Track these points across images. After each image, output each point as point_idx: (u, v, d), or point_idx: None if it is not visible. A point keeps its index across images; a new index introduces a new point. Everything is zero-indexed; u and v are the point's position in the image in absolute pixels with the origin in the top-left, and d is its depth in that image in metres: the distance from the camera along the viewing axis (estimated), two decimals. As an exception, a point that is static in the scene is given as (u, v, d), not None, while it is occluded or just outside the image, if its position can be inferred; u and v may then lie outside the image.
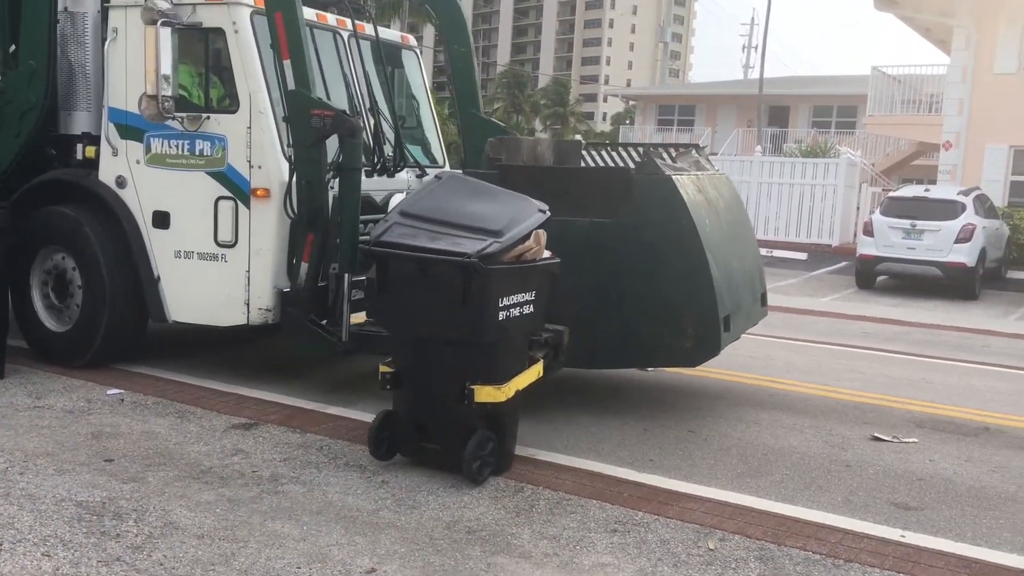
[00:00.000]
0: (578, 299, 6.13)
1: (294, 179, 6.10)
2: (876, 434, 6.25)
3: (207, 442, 5.41)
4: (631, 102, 46.35)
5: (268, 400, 6.32)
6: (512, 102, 71.89)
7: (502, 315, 4.70)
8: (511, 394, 4.89)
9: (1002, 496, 5.20)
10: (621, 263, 6.06)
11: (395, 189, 7.06)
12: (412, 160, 7.35)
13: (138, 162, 6.58)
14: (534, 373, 5.20)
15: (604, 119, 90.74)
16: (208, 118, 6.33)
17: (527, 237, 4.90)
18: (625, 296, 6.07)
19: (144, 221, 6.59)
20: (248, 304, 6.30)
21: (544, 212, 5.10)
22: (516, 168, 6.50)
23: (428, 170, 7.51)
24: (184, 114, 6.31)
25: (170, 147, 6.47)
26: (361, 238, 6.05)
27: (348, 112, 6.34)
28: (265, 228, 6.23)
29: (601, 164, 7.89)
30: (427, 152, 7.96)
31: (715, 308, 5.98)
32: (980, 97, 19.03)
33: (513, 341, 4.95)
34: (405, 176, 7.29)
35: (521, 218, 4.97)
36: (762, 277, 7.31)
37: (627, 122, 42.21)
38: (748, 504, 4.85)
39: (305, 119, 5.96)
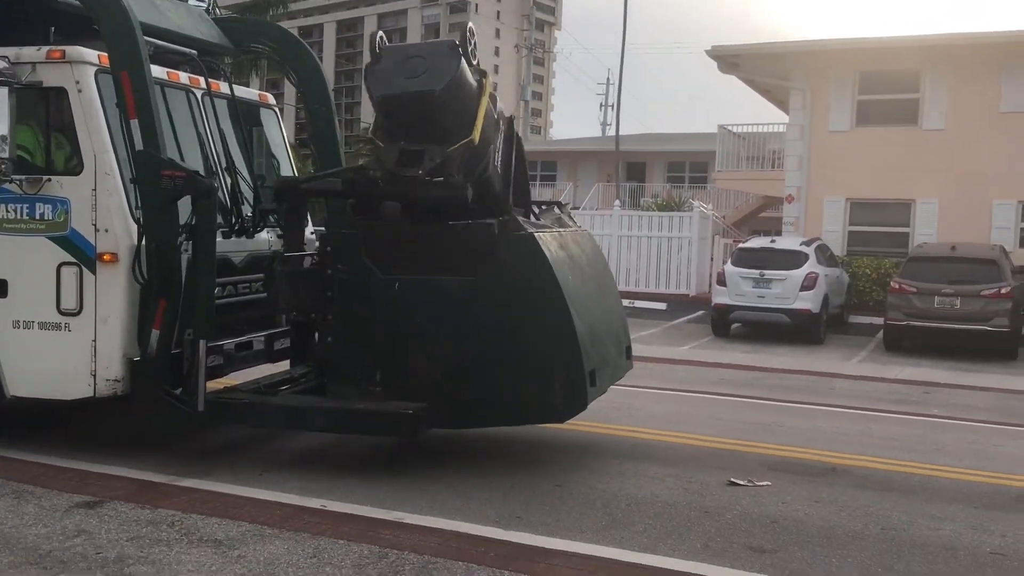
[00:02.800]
0: (444, 358, 6.11)
1: (143, 243, 5.88)
2: (732, 479, 6.45)
3: (47, 524, 5.07)
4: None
5: (115, 475, 5.99)
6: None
7: None
8: None
9: (849, 534, 5.44)
10: (486, 321, 6.08)
11: (254, 249, 6.91)
12: (273, 220, 7.21)
13: None
14: None
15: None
16: (49, 180, 6.04)
17: None
18: (491, 354, 6.09)
19: None
20: (95, 375, 5.98)
21: None
22: (380, 226, 6.47)
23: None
24: (23, 176, 6.00)
25: (7, 211, 6.13)
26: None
27: (202, 172, 6.18)
28: (113, 294, 5.95)
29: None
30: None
31: (580, 363, 6.05)
32: (817, 153, 20.31)
33: None
34: (266, 236, 7.15)
35: None
36: (626, 330, 7.49)
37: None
38: (612, 556, 4.90)
39: (155, 180, 5.78)
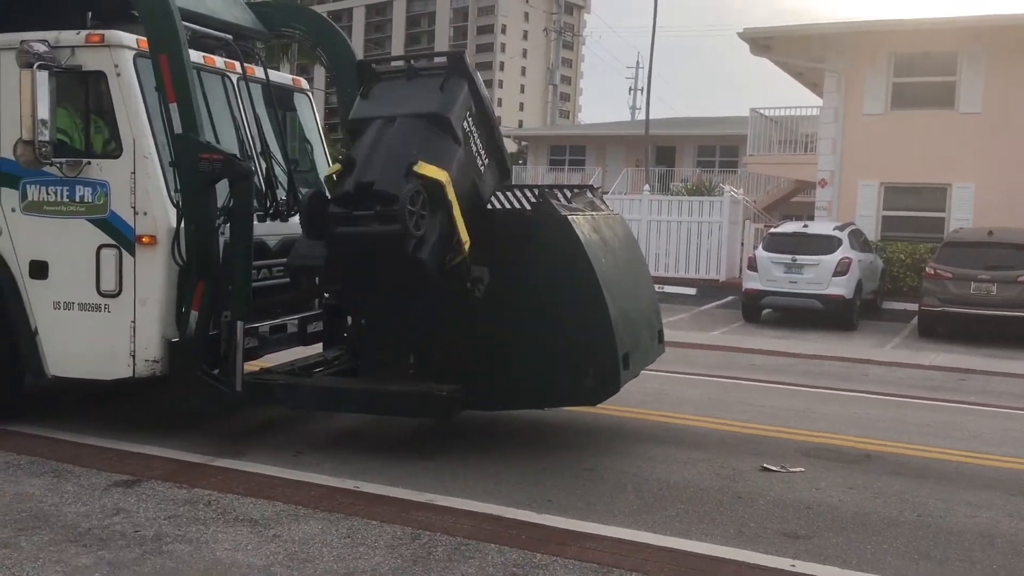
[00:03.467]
0: (478, 340, 6.11)
1: (182, 225, 5.91)
2: (765, 465, 6.41)
3: (85, 502, 5.15)
4: (523, 143, 47.02)
5: (152, 455, 6.07)
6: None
7: None
8: None
9: (885, 521, 5.39)
10: (520, 304, 6.06)
11: (288, 233, 6.93)
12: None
13: (13, 210, 6.29)
14: None
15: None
16: (89, 163, 6.10)
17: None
18: (525, 337, 6.08)
19: (20, 271, 6.28)
20: (134, 356, 6.04)
21: None
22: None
23: None
24: (63, 160, 6.06)
25: (48, 194, 6.20)
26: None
27: (239, 156, 6.21)
28: (151, 276, 6.00)
29: (497, 206, 7.92)
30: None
31: (614, 347, 6.03)
32: (851, 137, 20.05)
33: None
34: (298, 220, 7.17)
35: None
36: (658, 314, 7.45)
37: (520, 162, 42.79)
38: (645, 540, 4.89)
39: (193, 164, 5.80)
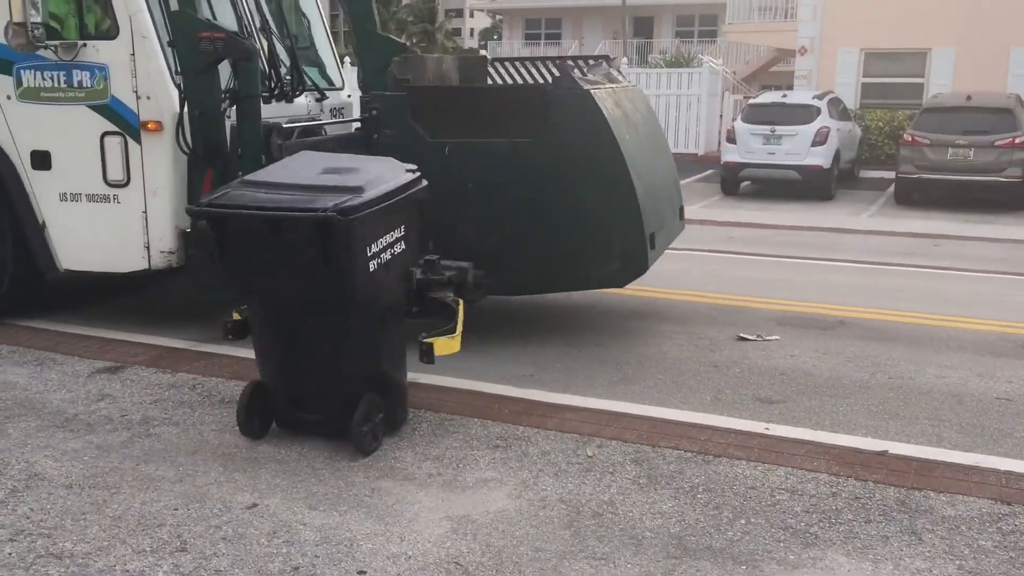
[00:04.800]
0: (498, 224, 5.92)
1: (186, 110, 5.66)
2: (742, 334, 6.53)
3: (70, 389, 5.19)
4: (498, 17, 45.72)
5: (134, 342, 6.09)
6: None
7: (372, 265, 4.17)
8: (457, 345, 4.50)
9: (856, 384, 5.54)
10: (542, 184, 5.85)
11: (294, 115, 6.70)
12: (310, 83, 6.98)
13: (8, 97, 6.05)
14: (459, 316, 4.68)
15: (472, 35, 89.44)
16: (85, 45, 5.83)
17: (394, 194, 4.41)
18: (547, 219, 5.89)
19: (22, 162, 6.10)
20: (148, 247, 5.91)
21: (413, 172, 4.62)
22: (426, 89, 6.21)
23: (327, 92, 7.15)
24: (57, 42, 5.80)
25: (44, 79, 5.95)
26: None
27: (240, 33, 5.95)
28: (160, 165, 5.81)
29: (510, 81, 7.58)
30: (323, 74, 7.47)
31: (641, 226, 5.88)
32: (832, 2, 19.60)
33: (389, 287, 4.39)
34: (303, 101, 6.94)
35: (387, 177, 4.47)
36: (679, 190, 7.27)
37: (495, 37, 41.68)
38: (624, 410, 5.01)
39: (193, 43, 5.48)
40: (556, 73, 6.76)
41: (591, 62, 7.02)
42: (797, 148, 15.03)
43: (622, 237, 5.91)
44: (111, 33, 5.82)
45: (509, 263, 5.84)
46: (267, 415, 4.53)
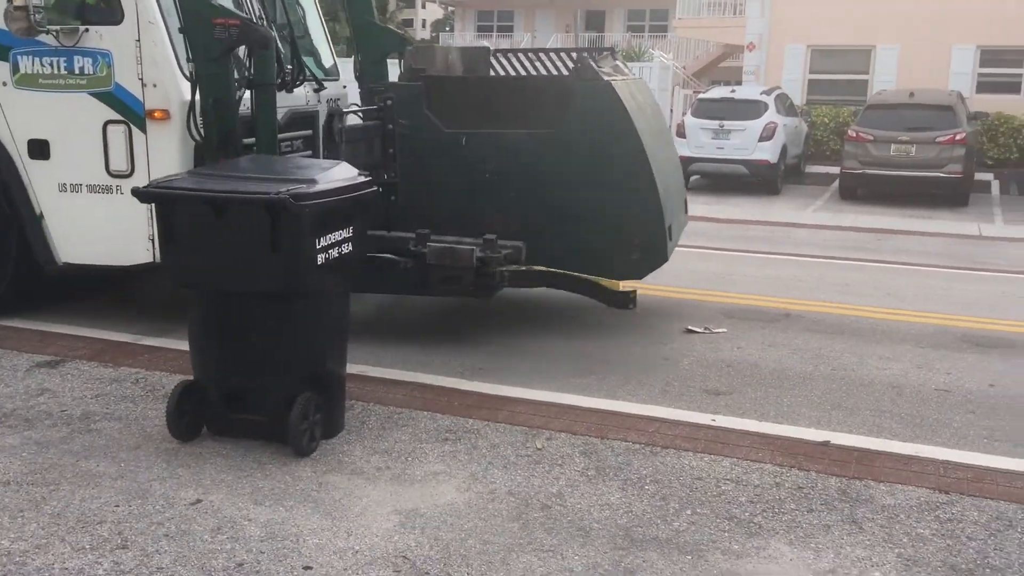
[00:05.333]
0: (515, 215, 5.87)
1: (196, 97, 5.41)
2: (690, 327, 6.59)
3: (8, 383, 5.06)
4: (450, 8, 45.52)
5: (75, 335, 5.95)
6: (327, 9, 68.93)
7: (321, 258, 4.10)
8: None
9: (801, 375, 5.63)
10: (561, 175, 5.80)
11: (293, 105, 6.54)
12: (310, 73, 6.87)
13: (4, 84, 5.83)
14: None
15: (424, 26, 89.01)
16: (87, 31, 5.64)
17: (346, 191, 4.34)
18: (565, 210, 5.85)
19: (18, 151, 5.88)
20: (153, 240, 5.67)
21: (365, 176, 4.54)
22: (445, 79, 6.14)
23: (325, 83, 7.01)
24: (58, 27, 5.60)
25: (43, 65, 5.73)
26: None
27: (253, 20, 5.77)
28: (166, 154, 5.62)
29: (514, 72, 7.48)
30: (319, 64, 7.27)
31: (661, 217, 5.90)
32: (781, -1, 19.86)
33: (335, 284, 4.34)
34: (302, 91, 6.80)
35: (340, 175, 4.40)
36: (683, 183, 7.30)
37: (447, 29, 41.49)
38: (574, 403, 5.03)
39: (207, 29, 5.25)
40: (570, 64, 6.68)
41: (601, 54, 7.00)
42: (745, 143, 15.23)
43: (642, 228, 5.93)
44: (115, 18, 5.63)
45: (526, 253, 5.80)
46: (198, 416, 4.38)
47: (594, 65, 6.16)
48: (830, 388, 5.41)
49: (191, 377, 4.42)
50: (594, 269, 6.11)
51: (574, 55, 6.91)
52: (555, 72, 7.08)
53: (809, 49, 19.76)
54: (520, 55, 7.57)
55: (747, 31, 20.55)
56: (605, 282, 6.03)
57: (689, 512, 3.77)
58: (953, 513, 3.79)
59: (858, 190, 14.87)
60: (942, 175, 14.12)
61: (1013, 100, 18.40)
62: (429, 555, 3.39)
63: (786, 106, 16.63)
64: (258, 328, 4.17)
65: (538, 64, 7.48)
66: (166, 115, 5.61)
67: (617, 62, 7.00)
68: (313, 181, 4.12)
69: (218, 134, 5.39)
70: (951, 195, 14.26)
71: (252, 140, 5.46)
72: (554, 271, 5.92)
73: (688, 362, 5.84)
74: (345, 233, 4.30)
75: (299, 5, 7.34)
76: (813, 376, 5.63)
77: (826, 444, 4.50)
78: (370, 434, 4.50)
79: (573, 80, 6.06)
